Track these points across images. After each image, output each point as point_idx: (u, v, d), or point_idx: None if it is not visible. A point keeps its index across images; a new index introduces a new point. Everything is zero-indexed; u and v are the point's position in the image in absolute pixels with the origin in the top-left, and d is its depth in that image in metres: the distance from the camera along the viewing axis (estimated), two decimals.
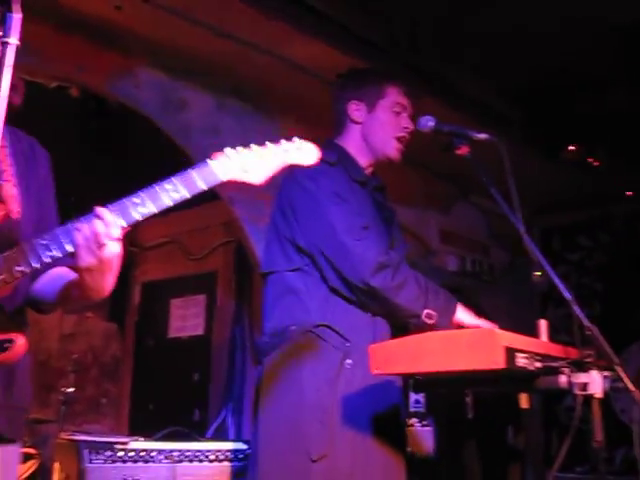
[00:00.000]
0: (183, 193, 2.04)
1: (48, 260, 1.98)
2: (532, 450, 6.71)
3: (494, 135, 2.79)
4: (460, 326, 2.89)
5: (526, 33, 4.77)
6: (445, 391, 2.81)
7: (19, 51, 1.86)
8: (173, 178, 2.05)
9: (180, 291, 6.92)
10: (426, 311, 2.87)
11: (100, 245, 1.95)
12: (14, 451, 2.19)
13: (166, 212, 2.10)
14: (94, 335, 7.41)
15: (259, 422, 3.00)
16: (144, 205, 2.00)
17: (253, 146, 2.17)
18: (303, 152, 2.28)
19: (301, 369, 2.93)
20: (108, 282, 2.07)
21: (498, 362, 2.22)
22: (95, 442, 3.68)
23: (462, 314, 2.95)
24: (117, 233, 1.97)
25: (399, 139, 3.25)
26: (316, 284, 3.01)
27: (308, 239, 3.01)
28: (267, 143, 2.21)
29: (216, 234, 6.54)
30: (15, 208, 2.09)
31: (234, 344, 6.06)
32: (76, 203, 2.44)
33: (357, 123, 3.27)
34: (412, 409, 4.31)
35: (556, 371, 2.32)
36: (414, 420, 4.30)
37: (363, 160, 3.25)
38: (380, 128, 3.24)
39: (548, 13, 4.56)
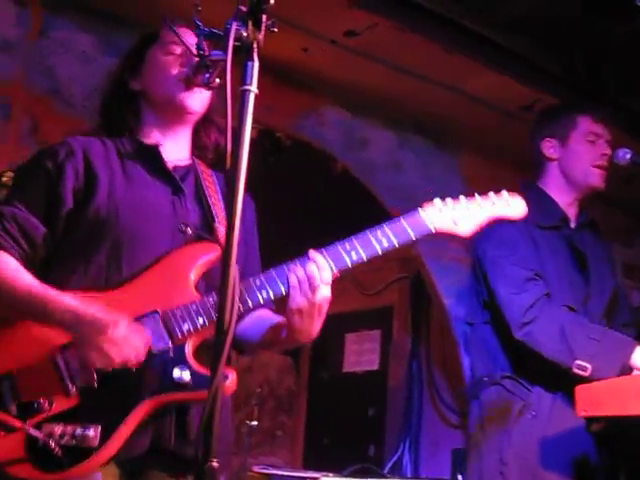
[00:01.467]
0: (393, 241, 2.05)
1: (261, 301, 2.01)
2: None
3: None
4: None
5: None
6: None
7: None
8: (384, 225, 2.06)
9: (355, 326, 6.94)
10: (577, 362, 2.76)
11: (313, 288, 1.98)
12: None
13: None
14: (270, 368, 7.54)
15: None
16: (356, 251, 2.03)
17: (461, 198, 2.16)
18: (511, 207, 2.24)
19: (488, 421, 2.94)
20: (316, 326, 2.08)
21: None
22: (288, 477, 3.71)
23: None
24: (329, 277, 2.00)
25: (599, 167, 3.16)
26: (501, 336, 3.01)
27: (489, 291, 3.02)
28: (475, 195, 2.19)
29: (391, 270, 6.53)
30: None
31: (411, 380, 6.03)
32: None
33: (553, 160, 3.20)
34: None
35: None
36: None
37: (565, 198, 3.18)
38: (577, 160, 3.16)
39: None
